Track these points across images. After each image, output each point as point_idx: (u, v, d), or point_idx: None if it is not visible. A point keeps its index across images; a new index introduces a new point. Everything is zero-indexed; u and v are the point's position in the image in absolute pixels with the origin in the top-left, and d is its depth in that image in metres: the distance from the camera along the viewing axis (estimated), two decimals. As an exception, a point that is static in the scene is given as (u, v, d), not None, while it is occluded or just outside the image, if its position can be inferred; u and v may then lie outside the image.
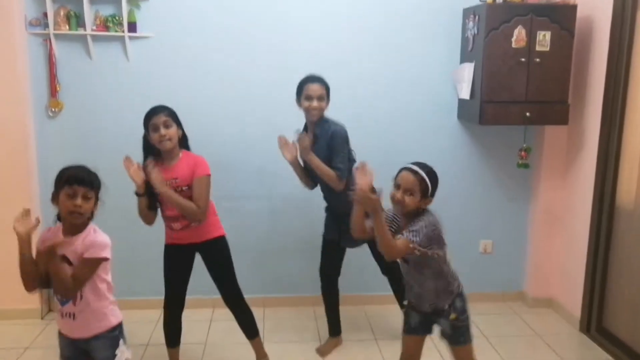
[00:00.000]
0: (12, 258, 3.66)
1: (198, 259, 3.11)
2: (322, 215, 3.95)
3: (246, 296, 4.01)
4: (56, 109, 3.81)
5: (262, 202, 4.05)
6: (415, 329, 2.64)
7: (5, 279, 3.77)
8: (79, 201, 2.21)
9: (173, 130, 2.84)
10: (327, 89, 3.23)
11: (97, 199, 2.30)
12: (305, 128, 3.33)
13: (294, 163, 3.32)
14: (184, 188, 2.86)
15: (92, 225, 2.31)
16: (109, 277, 2.36)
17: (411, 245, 2.33)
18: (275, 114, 3.92)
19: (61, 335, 2.38)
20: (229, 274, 3.12)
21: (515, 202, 4.17)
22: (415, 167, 2.46)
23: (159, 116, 2.82)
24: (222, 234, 3.08)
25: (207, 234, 3.01)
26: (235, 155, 3.94)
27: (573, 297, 3.90)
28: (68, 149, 3.83)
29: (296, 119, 3.92)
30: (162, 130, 2.81)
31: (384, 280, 3.56)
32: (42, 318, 3.87)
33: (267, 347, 3.36)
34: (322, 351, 3.50)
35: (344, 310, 3.63)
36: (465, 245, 4.15)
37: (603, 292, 3.66)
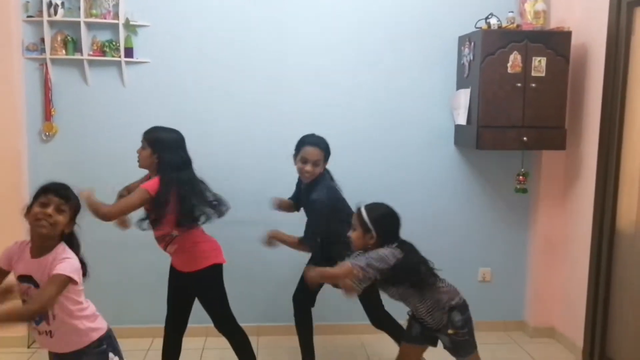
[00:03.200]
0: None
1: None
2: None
3: (240, 324, 3.95)
4: (50, 133, 3.78)
5: (258, 229, 3.97)
6: (416, 338, 2.69)
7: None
8: (50, 210, 2.11)
9: (145, 153, 2.91)
10: (326, 154, 3.21)
11: (72, 218, 2.21)
12: (299, 184, 3.37)
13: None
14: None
15: (62, 245, 2.19)
16: (82, 300, 2.25)
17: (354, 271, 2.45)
18: (272, 139, 3.91)
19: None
20: (211, 305, 3.03)
21: (514, 229, 4.11)
22: (361, 207, 2.67)
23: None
24: (198, 268, 2.93)
25: (187, 267, 2.94)
26: (231, 180, 3.88)
27: (575, 325, 3.80)
28: (61, 172, 3.69)
29: (293, 145, 3.92)
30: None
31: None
32: (28, 347, 3.75)
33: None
34: None
35: (336, 339, 3.54)
36: (464, 274, 4.06)
37: (606, 319, 3.57)
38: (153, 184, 2.79)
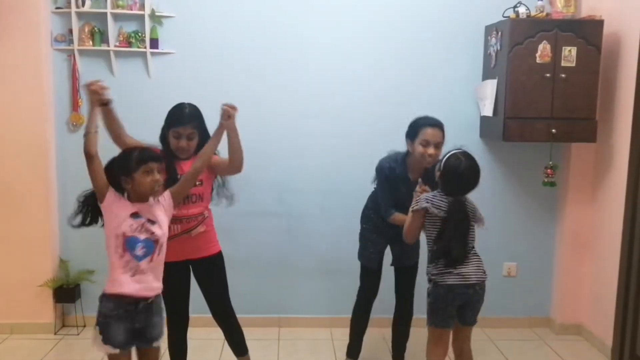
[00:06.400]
0: (28, 272, 3.72)
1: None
2: (341, 234, 3.87)
3: (261, 315, 3.97)
4: (77, 123, 3.83)
5: (280, 220, 3.98)
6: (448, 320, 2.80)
7: (20, 293, 3.78)
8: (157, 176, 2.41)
9: (194, 143, 2.76)
10: (444, 134, 2.98)
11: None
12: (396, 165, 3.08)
13: None
14: (197, 183, 2.75)
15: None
16: None
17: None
18: (295, 132, 3.90)
19: (122, 304, 2.36)
20: (223, 291, 2.96)
21: (541, 223, 4.03)
22: None
23: (185, 127, 2.73)
24: (219, 250, 2.93)
25: (205, 250, 2.86)
26: (255, 171, 3.88)
27: (604, 323, 3.70)
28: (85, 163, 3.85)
29: (316, 138, 3.90)
30: (183, 142, 2.73)
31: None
32: (55, 333, 3.82)
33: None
34: None
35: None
36: (488, 268, 3.95)
37: (637, 317, 3.45)
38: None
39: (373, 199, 3.25)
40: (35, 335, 3.75)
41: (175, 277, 2.79)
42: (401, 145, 3.97)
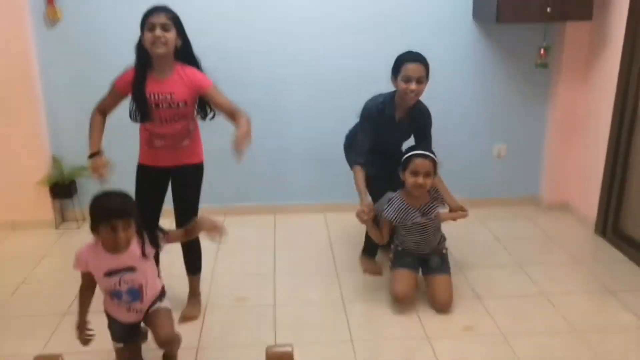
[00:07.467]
0: (21, 170, 3.73)
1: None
2: (329, 125, 3.86)
3: (257, 204, 4.06)
4: (54, 18, 3.66)
5: (272, 111, 3.95)
6: (409, 264, 2.98)
7: (19, 190, 3.82)
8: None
9: (170, 35, 2.48)
10: (428, 69, 2.89)
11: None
12: (384, 105, 2.99)
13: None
14: (180, 104, 2.56)
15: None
16: None
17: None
18: (288, 27, 3.78)
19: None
20: (194, 202, 2.82)
21: (532, 104, 4.02)
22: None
23: (158, 16, 2.49)
24: (201, 161, 2.79)
25: (187, 158, 2.73)
26: (240, 66, 3.81)
27: (589, 200, 3.82)
28: (69, 58, 3.75)
29: (309, 28, 3.77)
30: (158, 32, 2.48)
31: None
32: (56, 228, 3.92)
33: (279, 253, 3.47)
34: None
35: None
36: (479, 149, 4.07)
37: (621, 194, 3.57)
38: (202, 74, 2.59)
39: (350, 138, 3.20)
40: (37, 231, 3.84)
41: (148, 181, 2.74)
42: (391, 27, 3.87)
